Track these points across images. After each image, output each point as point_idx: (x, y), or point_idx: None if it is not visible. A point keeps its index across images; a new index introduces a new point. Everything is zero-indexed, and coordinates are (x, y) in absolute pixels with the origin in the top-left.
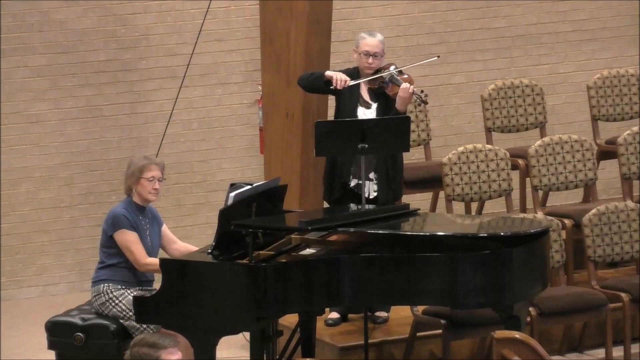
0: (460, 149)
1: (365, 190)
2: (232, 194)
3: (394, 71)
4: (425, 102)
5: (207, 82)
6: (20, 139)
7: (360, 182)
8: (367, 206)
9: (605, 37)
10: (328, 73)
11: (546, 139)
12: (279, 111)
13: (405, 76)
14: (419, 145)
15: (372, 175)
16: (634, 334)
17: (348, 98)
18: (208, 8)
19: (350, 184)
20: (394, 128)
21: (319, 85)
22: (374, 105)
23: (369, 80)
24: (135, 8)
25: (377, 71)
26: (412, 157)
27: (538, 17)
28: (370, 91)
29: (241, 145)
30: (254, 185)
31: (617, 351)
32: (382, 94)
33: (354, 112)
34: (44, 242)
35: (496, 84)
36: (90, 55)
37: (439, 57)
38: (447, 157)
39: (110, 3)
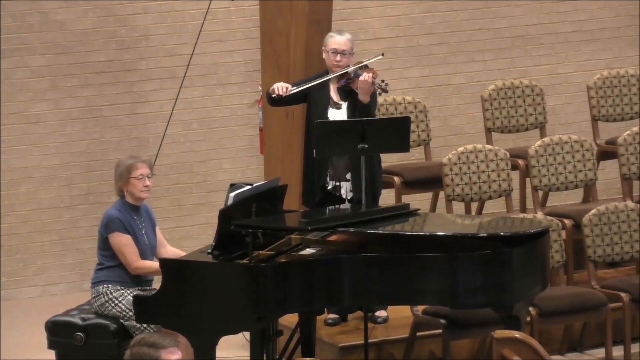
0: (460, 149)
1: (343, 193)
2: (232, 194)
3: (357, 66)
4: (385, 91)
5: (207, 83)
6: (20, 139)
7: (337, 183)
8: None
9: (605, 38)
10: (271, 87)
11: (546, 139)
12: (279, 111)
13: (369, 69)
14: (419, 145)
15: (348, 175)
16: (634, 334)
17: (318, 100)
18: (208, 8)
19: (327, 187)
20: (394, 128)
21: (271, 101)
22: (344, 105)
23: (336, 77)
24: (135, 8)
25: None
26: (412, 157)
27: (538, 18)
28: (340, 91)
29: (241, 145)
30: (254, 185)
31: (617, 351)
32: (351, 91)
33: (324, 114)
34: (44, 242)
35: (496, 85)
36: (90, 56)
37: (383, 55)
38: (447, 157)
39: (110, 4)
